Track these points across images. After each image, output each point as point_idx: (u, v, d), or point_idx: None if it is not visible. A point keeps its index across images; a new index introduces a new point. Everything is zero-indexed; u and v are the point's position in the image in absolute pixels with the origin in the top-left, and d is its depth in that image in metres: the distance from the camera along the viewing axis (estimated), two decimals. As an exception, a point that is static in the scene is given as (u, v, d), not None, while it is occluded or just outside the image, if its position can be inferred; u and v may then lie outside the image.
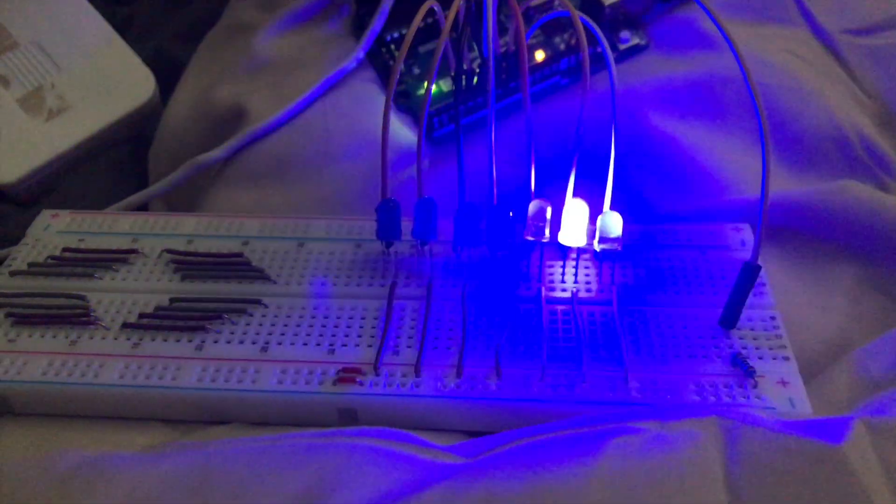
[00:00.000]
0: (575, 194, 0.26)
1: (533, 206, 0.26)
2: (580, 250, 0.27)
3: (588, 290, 0.27)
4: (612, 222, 0.26)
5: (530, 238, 0.26)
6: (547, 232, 0.26)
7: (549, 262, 0.28)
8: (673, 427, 0.21)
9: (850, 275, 0.29)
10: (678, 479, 0.19)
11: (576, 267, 0.28)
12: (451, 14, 0.25)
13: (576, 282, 0.27)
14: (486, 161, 0.26)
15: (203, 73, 0.37)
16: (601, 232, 0.26)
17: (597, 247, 0.26)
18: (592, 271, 0.28)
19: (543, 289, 0.27)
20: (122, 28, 0.39)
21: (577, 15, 0.25)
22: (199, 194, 0.34)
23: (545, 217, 0.26)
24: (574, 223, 0.26)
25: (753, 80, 0.23)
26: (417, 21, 0.25)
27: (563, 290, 0.27)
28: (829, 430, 0.20)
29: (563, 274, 0.27)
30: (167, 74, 0.38)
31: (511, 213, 0.26)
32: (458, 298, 0.26)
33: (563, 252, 0.28)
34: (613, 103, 0.25)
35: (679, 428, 0.21)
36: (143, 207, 0.34)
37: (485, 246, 0.27)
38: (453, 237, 0.27)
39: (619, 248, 0.26)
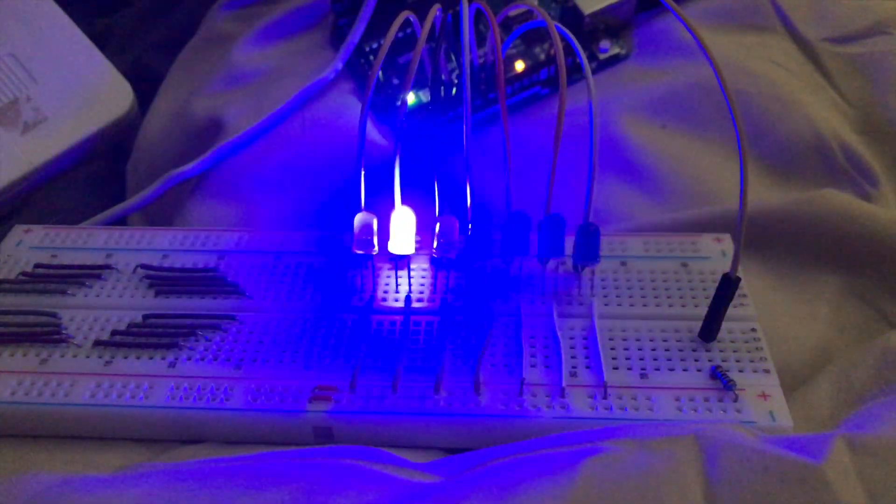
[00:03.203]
0: (553, 206, 0.26)
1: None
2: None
3: (568, 303, 0.27)
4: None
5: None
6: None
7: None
8: (651, 446, 0.20)
9: (832, 284, 0.29)
10: (656, 499, 0.19)
11: (557, 279, 0.27)
12: (427, 25, 0.25)
13: (556, 294, 0.27)
14: (463, 172, 0.25)
15: (181, 85, 0.37)
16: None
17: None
18: (574, 284, 0.27)
19: (522, 303, 0.26)
20: (101, 40, 0.39)
21: (554, 25, 0.25)
22: (177, 207, 0.33)
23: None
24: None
25: (731, 88, 0.22)
26: (393, 31, 0.25)
27: (544, 302, 0.27)
28: (810, 448, 0.20)
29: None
30: (146, 86, 0.38)
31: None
32: (437, 314, 0.26)
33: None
34: (591, 113, 0.25)
35: (656, 447, 0.20)
36: (120, 221, 0.33)
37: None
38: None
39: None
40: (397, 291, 0.27)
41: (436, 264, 0.27)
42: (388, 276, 0.28)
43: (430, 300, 0.27)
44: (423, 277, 0.28)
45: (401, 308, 0.27)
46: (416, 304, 0.27)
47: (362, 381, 0.24)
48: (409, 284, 0.27)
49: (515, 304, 0.26)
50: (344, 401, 0.24)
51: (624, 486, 0.19)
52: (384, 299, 0.27)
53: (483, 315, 0.26)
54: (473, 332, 0.26)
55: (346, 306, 0.27)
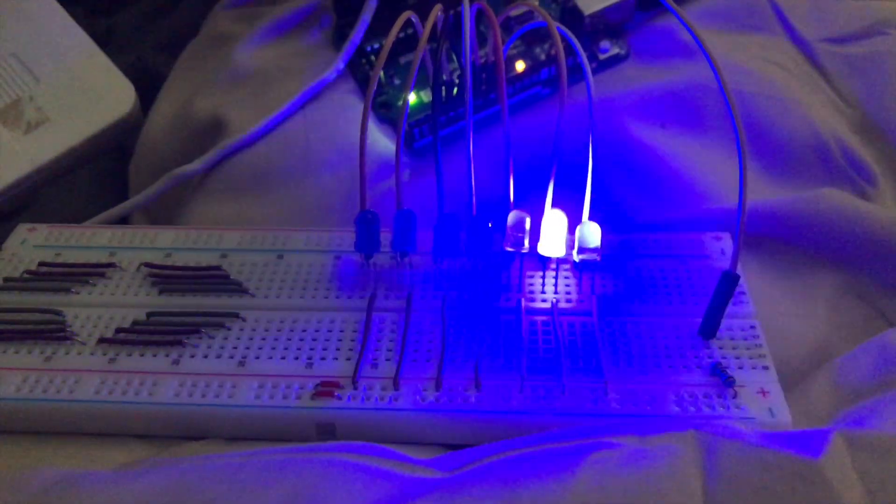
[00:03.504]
0: (554, 205, 0.26)
1: (512, 217, 0.26)
2: (560, 261, 0.27)
3: (568, 301, 0.27)
4: (591, 232, 0.26)
5: (510, 249, 0.26)
6: (526, 242, 0.26)
7: (528, 273, 0.28)
8: (651, 441, 0.21)
9: (831, 283, 0.29)
10: (656, 495, 0.19)
11: (555, 277, 0.27)
12: (429, 25, 0.25)
13: (556, 292, 0.27)
14: (466, 171, 0.25)
15: (183, 85, 0.37)
16: (580, 242, 0.26)
17: (576, 257, 0.26)
18: (573, 282, 0.27)
19: (524, 300, 0.27)
20: (103, 40, 0.39)
21: (555, 25, 0.25)
22: (180, 206, 0.33)
23: (524, 228, 0.26)
24: (553, 234, 0.26)
25: (730, 88, 0.23)
26: (395, 31, 0.25)
27: (543, 300, 0.27)
28: (808, 443, 0.20)
29: (542, 284, 0.27)
30: (148, 86, 0.38)
31: (490, 224, 0.26)
32: (438, 310, 0.26)
33: (543, 263, 0.27)
34: (591, 113, 0.25)
35: (657, 442, 0.21)
36: (123, 220, 0.34)
37: (464, 257, 0.27)
38: (433, 248, 0.26)
39: (598, 259, 0.26)
40: (400, 287, 0.27)
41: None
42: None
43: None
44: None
45: (402, 305, 0.27)
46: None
47: (364, 378, 0.24)
48: (409, 279, 0.27)
49: (516, 301, 0.27)
50: (346, 397, 0.24)
51: (624, 480, 0.20)
52: (387, 296, 0.27)
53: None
54: (475, 328, 0.26)
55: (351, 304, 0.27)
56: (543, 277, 0.27)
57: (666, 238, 0.29)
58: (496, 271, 0.27)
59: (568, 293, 0.27)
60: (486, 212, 0.26)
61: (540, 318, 0.26)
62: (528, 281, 0.27)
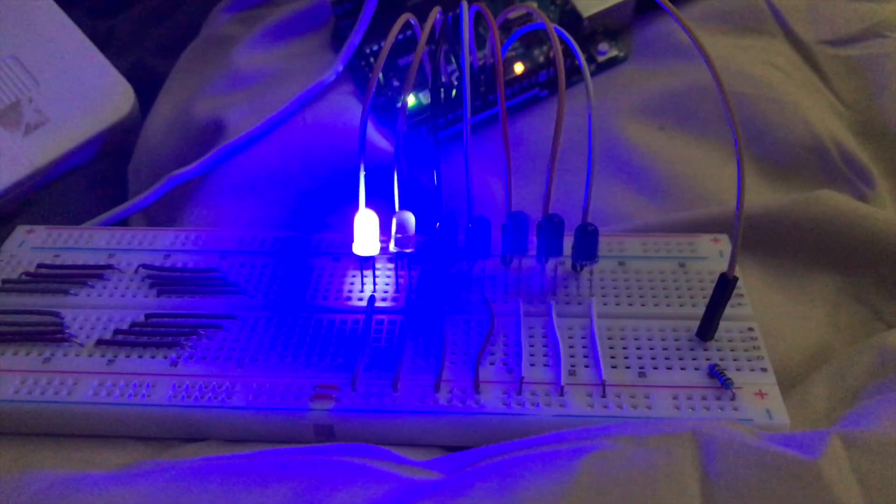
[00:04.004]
0: (553, 207, 0.26)
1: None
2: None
3: (567, 303, 0.27)
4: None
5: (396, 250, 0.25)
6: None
7: (527, 275, 0.28)
8: (649, 443, 0.21)
9: (829, 284, 0.29)
10: (654, 496, 0.19)
11: (556, 279, 0.27)
12: (427, 27, 0.25)
13: (554, 293, 0.27)
14: (464, 173, 0.25)
15: (182, 87, 0.37)
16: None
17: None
18: (573, 283, 0.27)
19: (521, 303, 0.27)
20: (102, 42, 0.39)
21: (553, 27, 0.25)
22: (178, 208, 0.33)
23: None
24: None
25: (729, 90, 0.23)
26: (394, 34, 0.25)
27: (542, 302, 0.27)
28: (806, 444, 0.20)
29: (539, 286, 0.27)
30: (147, 88, 0.38)
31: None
32: (437, 312, 0.26)
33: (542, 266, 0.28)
34: (590, 115, 0.25)
35: (655, 444, 0.20)
36: (122, 222, 0.34)
37: (465, 259, 0.27)
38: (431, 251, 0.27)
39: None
40: (399, 290, 0.27)
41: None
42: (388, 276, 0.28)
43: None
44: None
45: (399, 307, 0.27)
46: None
47: (363, 380, 0.24)
48: (409, 283, 0.27)
49: (514, 303, 0.27)
50: (345, 399, 0.24)
51: (622, 482, 0.20)
52: (384, 298, 0.27)
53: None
54: (478, 330, 0.26)
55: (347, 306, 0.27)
56: (542, 279, 0.27)
57: (665, 239, 0.29)
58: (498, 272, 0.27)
59: (567, 294, 0.27)
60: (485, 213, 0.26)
61: (538, 320, 0.26)
62: (525, 284, 0.27)
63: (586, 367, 0.25)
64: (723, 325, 0.25)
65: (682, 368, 0.25)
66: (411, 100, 0.33)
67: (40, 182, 0.36)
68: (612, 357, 0.25)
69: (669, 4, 0.23)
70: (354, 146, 0.25)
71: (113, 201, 0.35)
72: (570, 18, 0.34)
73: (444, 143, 0.32)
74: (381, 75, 0.34)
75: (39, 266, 0.28)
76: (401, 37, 0.35)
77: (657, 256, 0.28)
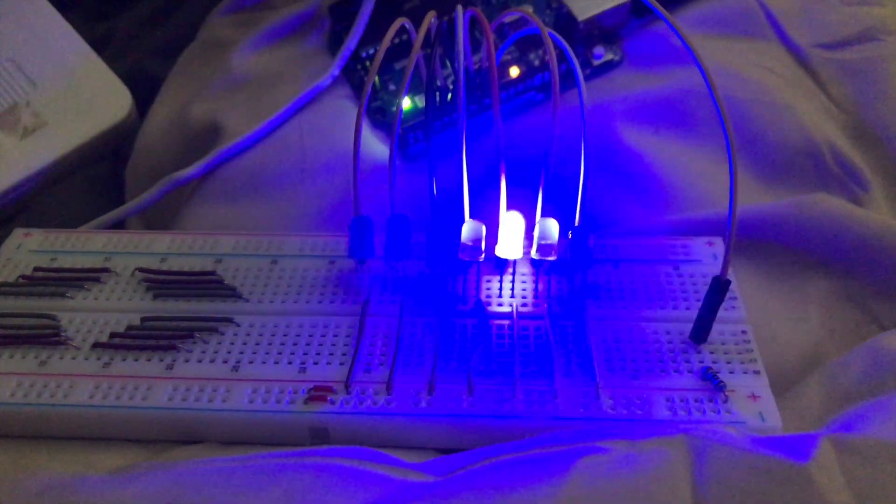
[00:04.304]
0: (547, 211, 0.26)
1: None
2: (552, 265, 0.27)
3: (560, 305, 0.27)
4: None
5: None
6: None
7: (522, 279, 0.28)
8: (641, 446, 0.21)
9: (823, 287, 0.29)
10: (645, 499, 0.19)
11: (548, 281, 0.28)
12: (422, 31, 0.25)
13: (549, 297, 0.27)
14: (460, 176, 0.26)
15: (179, 90, 0.37)
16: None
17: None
18: (566, 286, 0.28)
19: (516, 304, 0.27)
20: (99, 45, 0.39)
21: (547, 32, 0.25)
22: (175, 211, 0.34)
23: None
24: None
25: (723, 94, 0.23)
26: (388, 38, 0.25)
27: (536, 305, 0.27)
28: (797, 447, 0.20)
29: (535, 289, 0.27)
30: (144, 91, 0.38)
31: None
32: (431, 316, 0.26)
33: (537, 267, 0.28)
34: (583, 119, 0.25)
35: (647, 447, 0.21)
36: (119, 225, 0.34)
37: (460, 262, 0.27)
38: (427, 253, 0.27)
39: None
40: (394, 292, 0.27)
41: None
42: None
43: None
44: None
45: (396, 310, 0.27)
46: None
47: (356, 384, 0.25)
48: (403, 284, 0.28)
49: (508, 305, 0.27)
50: (340, 401, 0.24)
51: (614, 485, 0.20)
52: (380, 301, 0.27)
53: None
54: (470, 333, 0.26)
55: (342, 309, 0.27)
56: (537, 282, 0.28)
57: (659, 243, 0.29)
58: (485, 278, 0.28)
59: (561, 297, 0.27)
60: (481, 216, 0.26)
61: (532, 323, 0.26)
62: (521, 286, 0.28)
63: (580, 369, 0.25)
64: (716, 327, 0.25)
65: (676, 371, 0.25)
66: (407, 103, 0.33)
67: (37, 185, 0.36)
68: (606, 360, 0.25)
69: (661, 8, 0.23)
70: (350, 149, 0.25)
71: (110, 204, 0.35)
72: (566, 22, 0.34)
73: (441, 147, 0.32)
74: (377, 79, 0.34)
75: (36, 269, 0.29)
76: (397, 41, 0.35)
77: (651, 259, 0.28)
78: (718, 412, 0.23)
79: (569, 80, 0.33)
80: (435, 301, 0.27)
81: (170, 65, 0.39)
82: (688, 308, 0.27)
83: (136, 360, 0.25)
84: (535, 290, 0.27)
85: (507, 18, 0.33)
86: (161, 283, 0.28)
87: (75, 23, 0.38)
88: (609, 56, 0.34)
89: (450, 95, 0.32)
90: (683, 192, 0.31)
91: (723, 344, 0.25)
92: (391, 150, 0.25)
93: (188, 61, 0.38)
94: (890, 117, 0.33)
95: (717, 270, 0.25)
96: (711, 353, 0.25)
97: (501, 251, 0.26)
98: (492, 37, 0.25)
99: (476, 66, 0.31)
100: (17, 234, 0.30)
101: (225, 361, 0.25)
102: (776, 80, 0.33)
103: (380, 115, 0.34)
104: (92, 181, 0.37)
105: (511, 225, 0.26)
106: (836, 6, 0.35)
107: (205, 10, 0.40)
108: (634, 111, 0.33)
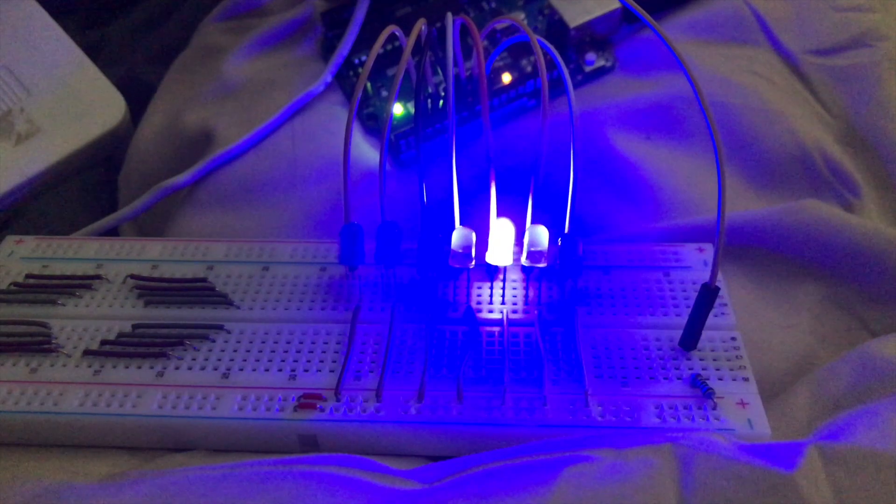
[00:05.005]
0: (537, 217, 0.26)
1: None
2: (542, 272, 0.27)
3: (550, 312, 0.27)
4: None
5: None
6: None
7: (512, 285, 0.28)
8: (628, 455, 0.21)
9: (814, 294, 0.29)
10: (632, 507, 0.19)
11: (539, 288, 0.28)
12: (412, 38, 0.25)
13: (539, 303, 0.27)
14: (450, 183, 0.26)
15: (173, 97, 0.37)
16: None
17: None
18: (556, 292, 0.28)
19: (506, 311, 0.27)
20: (93, 52, 0.39)
21: (537, 40, 0.25)
22: (168, 218, 0.34)
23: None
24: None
25: (715, 100, 0.23)
26: (378, 45, 0.25)
27: (527, 311, 0.27)
28: (783, 456, 0.20)
29: (525, 296, 0.27)
30: (138, 98, 0.38)
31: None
32: (422, 322, 0.26)
33: (528, 273, 0.28)
34: (573, 126, 0.25)
35: (634, 456, 0.21)
36: (112, 231, 0.34)
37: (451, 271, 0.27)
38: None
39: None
40: (385, 299, 0.28)
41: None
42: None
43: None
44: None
45: (386, 317, 0.27)
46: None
47: (346, 391, 0.25)
48: (393, 291, 0.28)
49: (498, 313, 0.27)
50: (329, 409, 0.24)
51: (601, 494, 0.20)
52: (371, 308, 0.27)
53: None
54: (460, 340, 0.26)
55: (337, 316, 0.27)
56: (527, 288, 0.28)
57: (649, 249, 0.29)
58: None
59: (550, 304, 0.27)
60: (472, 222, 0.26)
61: (522, 330, 0.26)
62: (511, 293, 0.28)
63: (569, 376, 0.25)
64: (706, 334, 0.25)
65: (665, 378, 0.25)
66: (399, 110, 0.33)
67: (30, 192, 0.36)
68: (596, 367, 0.25)
69: (647, 15, 0.23)
70: (341, 156, 0.25)
71: (104, 211, 0.35)
72: (558, 28, 0.34)
73: (432, 153, 0.32)
74: (369, 85, 0.34)
75: (28, 276, 0.29)
76: (389, 48, 0.35)
77: (641, 266, 0.28)
78: (707, 419, 0.23)
79: (559, 86, 0.33)
80: (425, 308, 0.27)
81: (163, 71, 0.39)
82: (678, 315, 0.27)
83: (127, 367, 0.26)
84: (526, 296, 0.27)
85: (499, 25, 0.33)
86: (153, 290, 0.28)
87: (69, 29, 0.38)
88: (601, 62, 0.34)
89: (441, 102, 0.32)
90: (674, 198, 0.31)
91: (712, 351, 0.25)
92: (381, 157, 0.25)
93: (181, 68, 0.38)
94: (881, 123, 0.33)
95: (706, 277, 0.25)
96: (701, 359, 0.25)
97: (492, 258, 0.26)
98: (481, 44, 0.25)
99: (467, 73, 0.31)
100: (9, 242, 0.30)
101: (215, 369, 0.25)
102: (768, 87, 0.34)
103: (372, 121, 0.34)
104: (85, 188, 0.37)
105: (501, 232, 0.26)
106: (827, 12, 0.36)
107: (198, 17, 0.40)
108: (626, 117, 0.33)
